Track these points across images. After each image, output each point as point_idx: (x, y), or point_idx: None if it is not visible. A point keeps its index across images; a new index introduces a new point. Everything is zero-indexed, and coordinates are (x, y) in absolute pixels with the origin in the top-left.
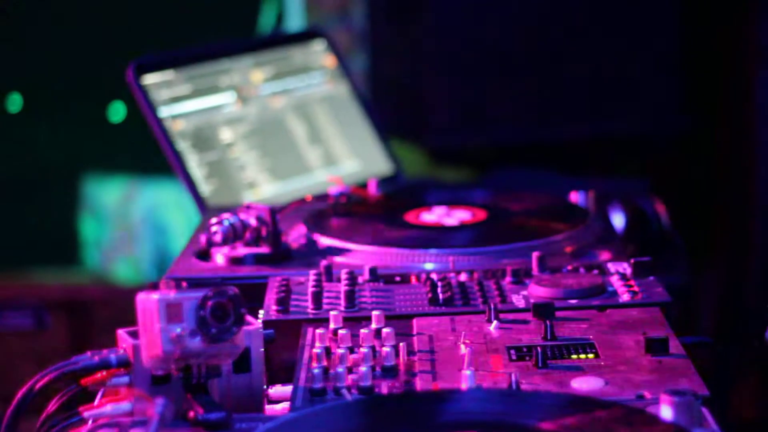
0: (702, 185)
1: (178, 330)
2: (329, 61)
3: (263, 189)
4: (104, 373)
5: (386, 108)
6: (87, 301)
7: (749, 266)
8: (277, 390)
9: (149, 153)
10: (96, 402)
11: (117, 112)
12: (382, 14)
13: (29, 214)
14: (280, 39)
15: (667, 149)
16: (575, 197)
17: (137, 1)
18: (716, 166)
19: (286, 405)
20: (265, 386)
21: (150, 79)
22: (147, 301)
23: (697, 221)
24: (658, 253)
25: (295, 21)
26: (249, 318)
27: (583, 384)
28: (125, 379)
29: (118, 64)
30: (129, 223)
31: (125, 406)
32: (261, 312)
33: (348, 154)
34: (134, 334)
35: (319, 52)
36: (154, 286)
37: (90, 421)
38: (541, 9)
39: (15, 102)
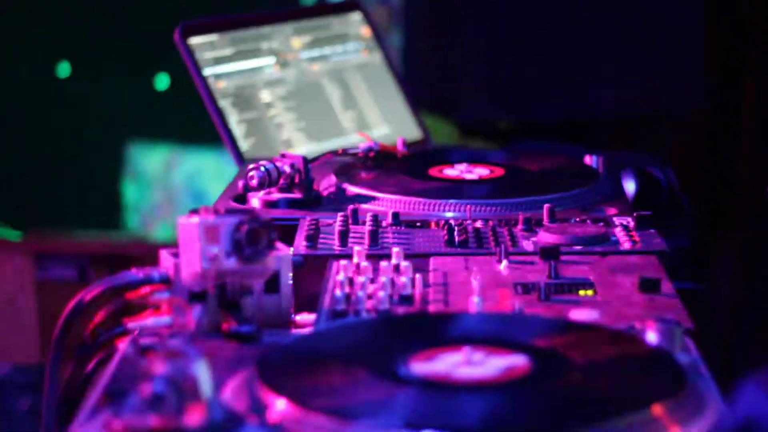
0: (719, 161)
1: (215, 250)
2: (365, 31)
3: (298, 148)
4: (147, 288)
5: (420, 83)
6: (127, 256)
7: (765, 242)
8: (303, 317)
9: (191, 122)
10: (139, 315)
11: (162, 81)
12: None
13: (74, 177)
14: (320, 9)
15: (687, 125)
16: (589, 160)
17: None
18: (734, 142)
19: (311, 329)
20: (292, 310)
21: (196, 40)
22: (188, 224)
23: (713, 198)
24: (667, 217)
25: None
26: (280, 244)
27: (579, 315)
28: (166, 295)
29: (164, 35)
30: (169, 188)
31: (166, 319)
32: (291, 249)
33: (379, 119)
34: (175, 255)
35: (356, 23)
36: (194, 212)
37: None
38: None
39: (64, 69)
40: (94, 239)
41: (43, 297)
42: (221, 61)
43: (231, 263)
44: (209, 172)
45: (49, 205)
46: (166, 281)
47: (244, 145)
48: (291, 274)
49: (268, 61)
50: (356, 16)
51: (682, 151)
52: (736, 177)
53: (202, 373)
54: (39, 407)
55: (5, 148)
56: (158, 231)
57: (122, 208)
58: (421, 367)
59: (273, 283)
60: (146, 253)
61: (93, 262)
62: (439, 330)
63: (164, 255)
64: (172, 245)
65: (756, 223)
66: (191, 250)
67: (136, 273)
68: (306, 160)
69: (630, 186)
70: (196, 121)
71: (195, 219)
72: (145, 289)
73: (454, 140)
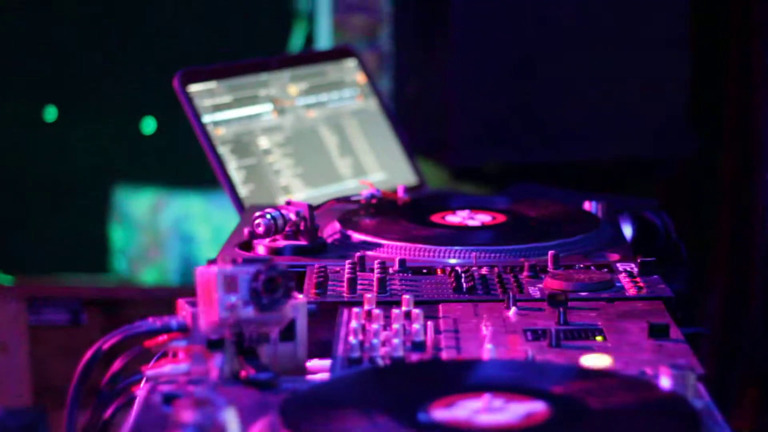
0: (708, 206)
1: (234, 299)
2: (360, 77)
3: (296, 194)
4: (165, 336)
5: (410, 127)
6: (120, 300)
7: (752, 284)
8: (313, 363)
9: (178, 165)
10: (156, 362)
11: (148, 125)
12: (407, 38)
13: (62, 221)
14: (315, 55)
15: (676, 171)
16: (588, 206)
17: (171, 19)
18: (722, 188)
19: (323, 375)
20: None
21: (195, 87)
22: (206, 274)
23: (702, 241)
24: (664, 262)
25: (323, 43)
26: (295, 293)
27: (591, 361)
28: (184, 343)
29: (151, 78)
30: (156, 232)
31: (183, 367)
32: (300, 296)
33: (375, 165)
34: (193, 304)
35: (350, 69)
36: (212, 261)
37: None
38: (559, 34)
39: (50, 113)
40: (85, 283)
41: (36, 341)
42: (220, 108)
43: (249, 312)
44: (196, 216)
45: (36, 249)
46: (183, 329)
47: (243, 191)
48: (306, 322)
49: (266, 108)
50: (351, 63)
51: (666, 196)
52: (721, 222)
53: (231, 420)
54: None
55: None
56: (146, 274)
57: (109, 251)
58: (441, 413)
59: (289, 331)
60: (137, 296)
61: (85, 305)
62: (457, 377)
63: (181, 303)
64: (161, 287)
65: (742, 271)
66: (209, 299)
67: (153, 321)
68: (311, 208)
69: (627, 231)
70: (182, 164)
71: (213, 268)
72: (162, 337)
73: (445, 184)
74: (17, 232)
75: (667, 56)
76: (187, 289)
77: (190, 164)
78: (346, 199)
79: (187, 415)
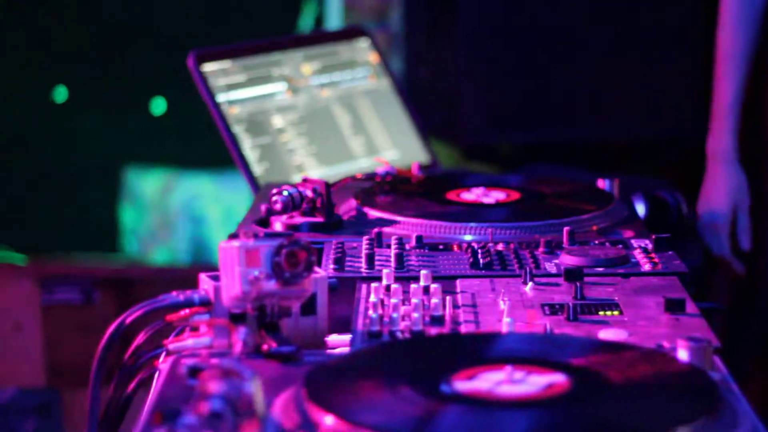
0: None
1: (256, 273)
2: (373, 57)
3: (310, 172)
4: (187, 311)
5: (421, 108)
6: (132, 279)
7: (761, 268)
8: (332, 338)
9: (188, 146)
10: (177, 336)
11: (158, 106)
12: (418, 19)
13: (74, 201)
14: (328, 35)
15: (686, 151)
16: (602, 184)
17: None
18: None
19: (343, 350)
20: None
21: (209, 67)
22: (229, 248)
23: None
24: (677, 239)
25: (333, 23)
26: (316, 268)
27: (609, 334)
28: (206, 317)
29: (161, 59)
30: (167, 212)
31: (205, 340)
32: (320, 271)
33: (388, 144)
34: (215, 278)
35: (363, 49)
36: (233, 236)
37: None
38: (569, 15)
39: (61, 94)
40: (97, 263)
41: (48, 320)
42: (234, 87)
43: (271, 285)
44: (206, 196)
45: (48, 229)
46: (206, 303)
47: (257, 170)
48: (327, 296)
49: (280, 87)
50: (363, 43)
51: (674, 178)
52: None
53: (257, 391)
54: (44, 430)
55: (3, 172)
56: (156, 254)
57: (120, 231)
58: (464, 384)
59: (310, 305)
60: (148, 276)
61: (98, 285)
62: (478, 350)
63: (203, 278)
64: (171, 267)
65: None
66: (232, 273)
67: (177, 295)
68: (328, 185)
69: (640, 209)
70: (192, 145)
71: (235, 243)
72: (184, 311)
73: (456, 163)
74: (30, 213)
75: (678, 47)
76: (197, 268)
77: (200, 145)
78: (362, 177)
79: (214, 386)
